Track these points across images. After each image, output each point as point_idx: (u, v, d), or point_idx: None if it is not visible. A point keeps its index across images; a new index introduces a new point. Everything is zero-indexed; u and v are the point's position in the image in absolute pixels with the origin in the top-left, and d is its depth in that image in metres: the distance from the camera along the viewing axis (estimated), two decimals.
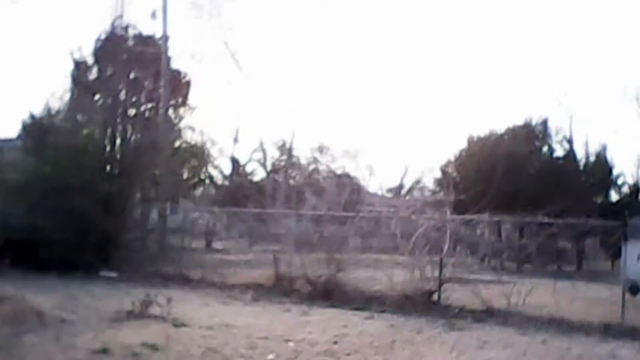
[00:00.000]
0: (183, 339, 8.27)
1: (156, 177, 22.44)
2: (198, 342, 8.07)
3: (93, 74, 27.71)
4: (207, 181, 45.16)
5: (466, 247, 15.67)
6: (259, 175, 45.41)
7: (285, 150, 45.70)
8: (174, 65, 28.30)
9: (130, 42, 28.48)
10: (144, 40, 28.20)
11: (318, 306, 12.80)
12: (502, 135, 34.71)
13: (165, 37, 25.27)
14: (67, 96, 24.56)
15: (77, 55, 25.69)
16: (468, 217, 14.15)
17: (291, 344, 8.42)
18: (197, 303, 12.31)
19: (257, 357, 7.49)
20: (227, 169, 44.17)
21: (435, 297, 13.01)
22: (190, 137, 33.30)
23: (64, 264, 15.52)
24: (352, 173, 45.87)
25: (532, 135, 35.08)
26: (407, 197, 57.40)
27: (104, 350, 7.17)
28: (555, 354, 8.70)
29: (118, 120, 26.93)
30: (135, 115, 28.39)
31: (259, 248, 25.42)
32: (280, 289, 14.33)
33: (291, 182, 42.83)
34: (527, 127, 34.94)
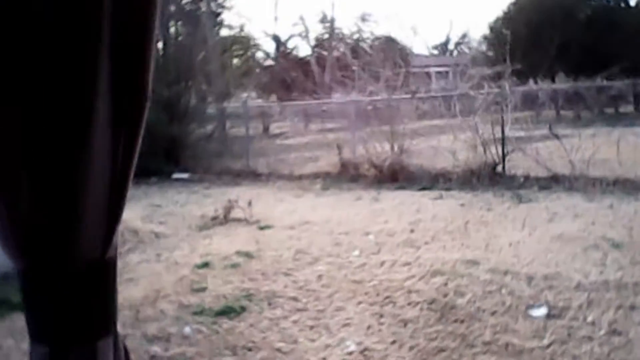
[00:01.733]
0: (271, 242, 8.88)
1: (210, 74, 22.73)
2: (286, 244, 8.67)
3: None
4: (254, 65, 45.30)
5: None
6: (303, 51, 45.28)
7: (327, 22, 45.17)
8: None
9: None
10: None
11: (386, 189, 13.32)
12: None
13: None
14: None
15: None
16: (527, 87, 14.10)
17: (371, 237, 8.96)
18: (272, 199, 12.93)
19: (343, 255, 8.04)
20: (271, 49, 44.22)
21: (499, 168, 13.35)
22: (232, 25, 33.31)
23: (140, 171, 16.30)
24: (397, 36, 45.21)
25: None
26: (455, 54, 56.51)
27: (205, 264, 7.81)
28: (623, 219, 9.04)
29: (160, 19, 26.86)
30: (175, 11, 28.33)
31: (315, 127, 25.95)
32: (347, 175, 14.85)
33: (336, 54, 42.62)
34: None
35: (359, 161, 14.85)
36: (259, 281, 7.07)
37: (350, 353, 5.03)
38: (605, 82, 15.15)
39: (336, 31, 46.11)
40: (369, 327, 5.55)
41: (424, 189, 12.99)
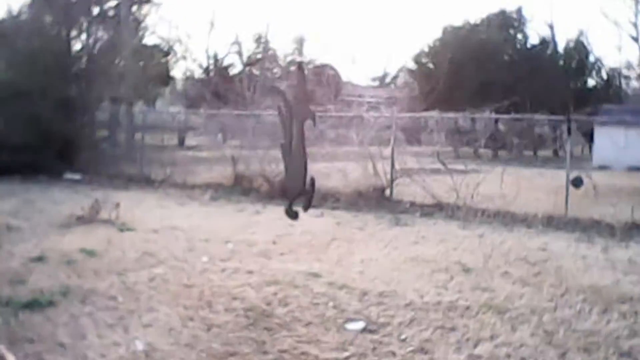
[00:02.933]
0: (124, 243, 8.52)
1: (120, 77, 22.23)
2: (137, 247, 8.32)
3: None
4: (183, 76, 44.86)
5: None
6: (237, 68, 45.04)
7: (262, 42, 45.12)
8: None
9: None
10: None
11: (274, 204, 13.07)
12: (476, 25, 34.28)
13: None
14: None
15: None
16: (416, 115, 14.15)
17: (230, 245, 8.70)
18: (152, 205, 12.57)
19: (191, 260, 7.75)
20: (204, 63, 43.85)
21: (387, 193, 13.31)
22: (155, 33, 32.84)
23: (29, 168, 15.73)
24: (334, 64, 45.44)
25: (507, 24, 34.66)
26: (392, 87, 57.25)
27: (40, 258, 7.40)
28: (486, 248, 9.02)
29: (82, 19, 26.37)
30: (99, 14, 27.80)
31: (235, 143, 25.61)
32: (240, 188, 14.59)
33: (268, 74, 42.53)
34: (501, 15, 34.48)
35: (253, 175, 14.59)
36: (87, 278, 6.70)
37: (134, 352, 4.72)
38: (493, 114, 14.53)
39: (270, 52, 46.09)
40: (170, 330, 5.26)
41: (311, 207, 12.76)
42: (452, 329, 5.63)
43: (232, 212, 11.98)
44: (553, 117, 14.10)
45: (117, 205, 10.45)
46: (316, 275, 7.13)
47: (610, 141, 27.87)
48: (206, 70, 43.93)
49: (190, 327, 5.33)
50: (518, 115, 14.86)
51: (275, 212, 12.01)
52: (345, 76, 52.15)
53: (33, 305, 5.71)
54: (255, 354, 4.77)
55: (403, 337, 5.37)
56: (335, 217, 11.70)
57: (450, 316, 5.95)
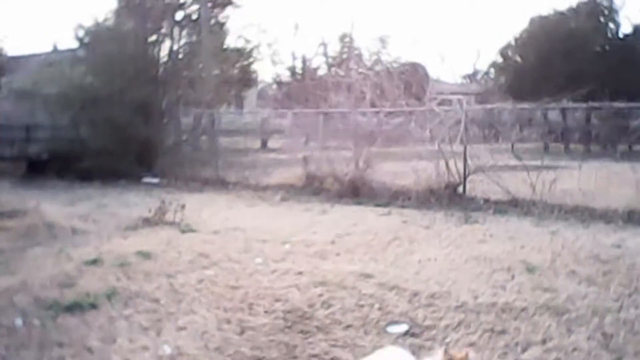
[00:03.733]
0: (182, 245, 8.51)
1: (200, 81, 22.53)
2: (194, 248, 8.28)
3: None
4: (271, 79, 45.26)
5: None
6: (323, 70, 45.08)
7: (346, 42, 44.99)
8: None
9: None
10: None
11: (343, 203, 12.92)
12: (564, 14, 32.87)
13: None
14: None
15: None
16: (489, 106, 13.58)
17: (287, 246, 8.55)
18: (221, 206, 12.61)
19: (245, 261, 7.64)
20: (292, 65, 44.10)
21: (460, 189, 12.86)
22: (238, 36, 33.14)
23: (109, 173, 16.14)
24: (422, 62, 44.83)
25: (597, 12, 33.05)
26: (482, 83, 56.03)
27: (95, 261, 7.46)
28: (556, 245, 8.50)
29: (165, 24, 26.96)
30: (182, 19, 28.35)
31: (314, 144, 25.58)
32: (311, 189, 14.47)
33: (353, 74, 42.37)
34: (591, 3, 32.90)
35: (324, 174, 14.43)
36: (136, 281, 6.69)
37: (160, 357, 4.63)
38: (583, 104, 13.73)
39: (355, 52, 45.90)
40: (203, 333, 5.15)
41: (379, 205, 12.54)
42: (503, 332, 5.27)
43: (299, 212, 11.85)
44: (634, 105, 13.11)
45: (183, 206, 10.49)
46: (368, 276, 6.86)
47: None
48: (293, 73, 44.16)
49: (224, 330, 5.20)
50: (598, 104, 13.83)
51: (342, 211, 11.88)
52: (434, 74, 51.34)
53: (74, 308, 5.72)
54: (283, 359, 4.58)
55: (447, 340, 5.06)
56: (403, 215, 11.36)
57: (503, 318, 5.59)
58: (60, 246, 8.42)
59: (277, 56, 43.64)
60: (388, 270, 7.17)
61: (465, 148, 12.87)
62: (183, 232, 9.54)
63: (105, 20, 22.26)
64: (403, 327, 5.34)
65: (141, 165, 17.05)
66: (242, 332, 5.15)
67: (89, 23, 21.42)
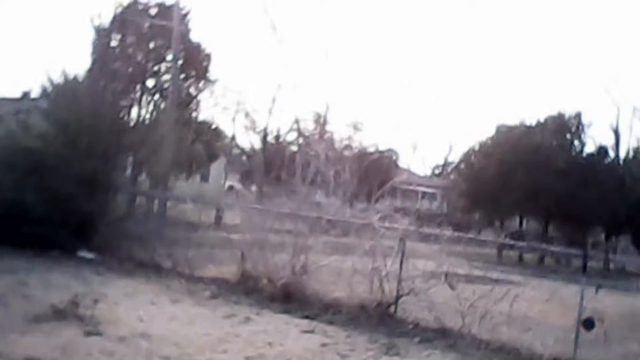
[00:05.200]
0: (77, 354, 8.10)
1: (160, 152, 22.29)
2: None
3: (114, 42, 27.77)
4: (239, 150, 45.31)
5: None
6: (295, 147, 45.22)
7: (319, 123, 45.35)
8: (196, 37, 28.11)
9: (153, 11, 28.45)
10: (167, 9, 28.19)
11: (272, 310, 12.57)
12: (530, 126, 33.53)
13: (178, 6, 24.92)
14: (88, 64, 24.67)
15: (97, 22, 25.67)
16: (427, 231, 13.46)
17: None
18: (144, 300, 12.17)
19: None
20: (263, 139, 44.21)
21: (392, 310, 12.61)
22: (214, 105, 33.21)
23: (45, 242, 15.63)
24: (393, 150, 45.11)
25: (564, 128, 33.75)
26: (445, 177, 56.54)
27: None
28: None
29: (137, 90, 26.94)
30: (154, 86, 28.37)
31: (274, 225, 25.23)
32: (244, 287, 14.12)
33: (322, 156, 42.54)
34: (559, 118, 33.63)
35: (259, 274, 14.12)
36: None
37: None
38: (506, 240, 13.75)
39: (327, 135, 46.23)
40: None
41: (308, 317, 12.20)
42: None
43: (221, 318, 11.46)
44: (570, 251, 13.12)
45: (96, 301, 10.13)
46: None
47: None
48: (264, 146, 44.21)
49: None
50: (534, 244, 13.81)
51: (266, 322, 11.55)
52: (405, 164, 51.86)
53: None
54: None
55: None
56: (327, 334, 11.02)
57: None
58: None
59: (252, 126, 43.81)
60: None
61: (400, 267, 12.67)
62: (88, 334, 9.11)
63: (75, 77, 22.03)
64: None
65: (79, 238, 16.56)
66: None
67: (58, 77, 21.17)
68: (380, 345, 10.69)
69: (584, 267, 13.28)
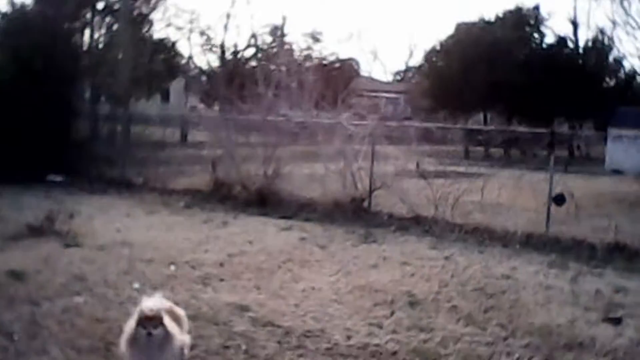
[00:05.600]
0: (60, 263, 8.11)
1: (118, 72, 21.82)
2: (72, 267, 7.91)
3: None
4: (197, 70, 44.45)
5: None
6: (254, 62, 44.50)
7: (277, 36, 44.57)
8: None
9: None
10: None
11: (248, 214, 12.69)
12: (490, 22, 33.38)
13: None
14: None
15: None
16: (394, 124, 13.55)
17: (172, 267, 8.25)
18: (119, 213, 12.18)
19: (121, 286, 7.30)
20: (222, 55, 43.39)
21: (366, 204, 12.79)
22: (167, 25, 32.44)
23: (11, 168, 15.36)
24: (355, 58, 44.68)
25: (523, 22, 33.67)
26: (407, 82, 56.44)
27: None
28: (446, 274, 8.48)
29: (87, 13, 26.11)
30: (105, 7, 27.55)
31: (241, 139, 25.12)
32: (218, 195, 14.16)
33: (282, 69, 41.98)
34: (517, 12, 33.50)
35: (233, 182, 14.14)
36: None
37: None
38: (475, 126, 13.89)
39: (285, 46, 45.51)
40: None
41: (284, 217, 12.35)
42: None
43: (198, 224, 11.52)
44: (536, 130, 13.32)
45: (72, 216, 10.08)
46: (245, 308, 6.64)
47: (624, 145, 27.01)
48: (223, 63, 43.45)
49: None
50: (501, 127, 13.96)
51: (243, 224, 11.66)
52: (366, 71, 51.53)
53: None
54: None
55: None
56: (304, 230, 11.20)
57: None
58: None
59: (208, 45, 42.89)
60: (268, 302, 6.96)
61: (372, 163, 12.78)
62: (67, 246, 9.11)
63: (23, 5, 21.32)
64: None
65: (46, 162, 16.32)
66: None
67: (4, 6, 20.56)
68: (358, 235, 10.90)
69: (551, 144, 13.46)
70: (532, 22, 34.18)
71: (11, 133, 15.68)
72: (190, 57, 41.57)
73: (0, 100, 15.90)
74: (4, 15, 20.80)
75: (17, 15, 20.14)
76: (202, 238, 10.19)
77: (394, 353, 5.70)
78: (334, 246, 10.03)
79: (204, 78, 46.42)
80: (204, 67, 43.55)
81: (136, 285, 7.38)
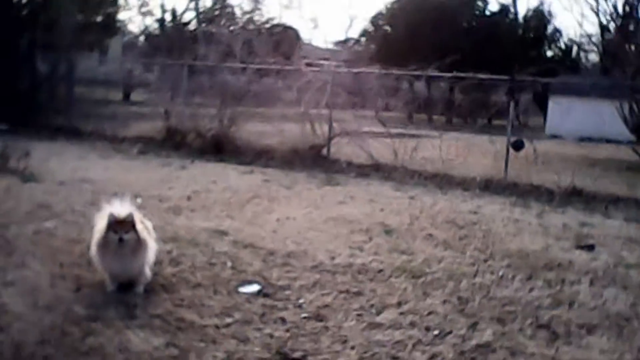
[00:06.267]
0: (21, 195, 7.81)
1: (58, 24, 21.02)
2: (35, 198, 7.61)
3: None
4: (138, 30, 43.21)
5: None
6: (194, 25, 43.62)
7: None
8: None
9: None
10: None
11: (205, 160, 12.49)
12: None
13: None
14: None
15: None
16: (355, 70, 13.51)
17: (139, 200, 7.99)
18: (72, 156, 11.81)
19: (89, 214, 7.00)
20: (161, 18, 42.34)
21: (324, 152, 12.76)
22: None
23: None
24: (293, 24, 44.29)
25: None
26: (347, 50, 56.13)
27: None
28: (414, 210, 8.54)
29: None
30: None
31: (179, 100, 24.64)
32: (172, 143, 13.88)
33: (224, 31, 41.28)
34: None
35: (187, 129, 13.86)
36: None
37: None
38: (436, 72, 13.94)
39: (227, 9, 44.67)
40: (34, 289, 4.62)
41: (242, 163, 12.20)
42: (358, 293, 5.10)
43: (156, 167, 11.29)
44: (496, 77, 13.49)
45: (27, 154, 9.70)
46: (223, 233, 6.54)
47: (563, 111, 27.67)
48: (162, 25, 42.40)
49: (57, 287, 4.70)
50: (461, 75, 14.07)
51: (202, 168, 11.47)
52: (307, 39, 51.12)
53: None
54: (123, 320, 4.17)
55: (300, 301, 4.83)
56: (266, 174, 11.10)
57: (359, 279, 5.43)
58: None
59: (146, 7, 41.73)
60: (244, 228, 6.87)
61: (330, 111, 12.72)
62: (25, 181, 8.78)
63: None
64: (255, 287, 5.06)
65: None
66: (77, 290, 4.68)
67: None
68: (320, 179, 10.87)
69: (511, 91, 13.63)
70: None
71: None
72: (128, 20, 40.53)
73: None
74: None
75: None
76: (163, 178, 10.00)
77: (380, 271, 5.70)
78: (299, 187, 9.97)
79: (143, 41, 45.22)
80: (141, 30, 42.52)
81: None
